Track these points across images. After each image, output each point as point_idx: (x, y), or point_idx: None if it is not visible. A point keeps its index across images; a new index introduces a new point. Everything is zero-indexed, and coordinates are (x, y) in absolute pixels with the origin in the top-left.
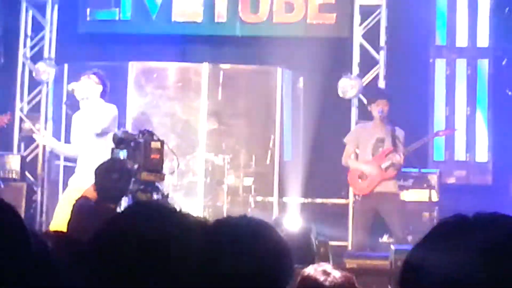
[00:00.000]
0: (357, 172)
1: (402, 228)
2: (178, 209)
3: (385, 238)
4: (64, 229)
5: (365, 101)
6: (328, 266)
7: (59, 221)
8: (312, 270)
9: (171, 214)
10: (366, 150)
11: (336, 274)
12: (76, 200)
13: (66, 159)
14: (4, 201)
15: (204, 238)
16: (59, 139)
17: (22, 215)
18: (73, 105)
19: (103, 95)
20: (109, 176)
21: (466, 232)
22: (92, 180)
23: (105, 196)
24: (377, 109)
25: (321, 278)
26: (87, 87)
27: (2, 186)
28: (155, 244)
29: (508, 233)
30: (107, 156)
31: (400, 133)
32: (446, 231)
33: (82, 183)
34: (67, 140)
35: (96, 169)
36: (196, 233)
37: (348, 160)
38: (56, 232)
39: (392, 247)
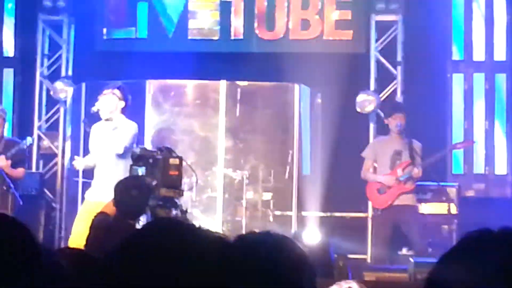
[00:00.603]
0: (375, 186)
1: (421, 241)
2: (197, 226)
3: (404, 251)
4: (82, 244)
5: (383, 115)
6: (354, 284)
7: (78, 236)
8: None
9: (190, 231)
10: (384, 164)
11: None
12: (95, 216)
13: (85, 175)
14: (17, 221)
15: (225, 254)
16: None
17: (42, 231)
18: (91, 123)
19: (124, 111)
20: (129, 192)
21: (492, 247)
22: (110, 195)
23: (125, 213)
24: (394, 122)
25: None
26: (111, 105)
27: (22, 203)
28: (175, 261)
29: None
30: (126, 171)
31: (417, 145)
32: (471, 246)
33: (101, 198)
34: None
35: (116, 186)
36: (216, 250)
37: (367, 174)
38: (73, 249)
39: (411, 259)
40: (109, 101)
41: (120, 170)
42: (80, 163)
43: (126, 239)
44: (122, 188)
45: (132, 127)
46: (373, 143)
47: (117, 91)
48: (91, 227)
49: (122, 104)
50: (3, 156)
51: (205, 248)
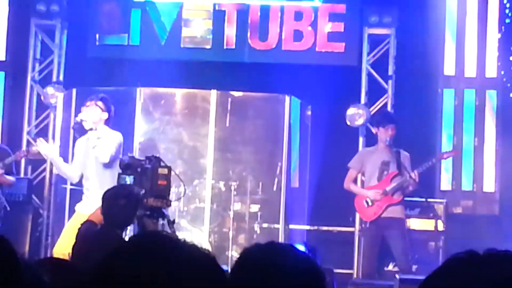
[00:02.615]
0: (363, 198)
1: (406, 256)
2: (184, 240)
3: (390, 267)
4: (66, 253)
5: (373, 130)
6: None
7: (63, 246)
8: None
9: (177, 247)
10: (372, 174)
11: None
12: (82, 224)
13: (73, 183)
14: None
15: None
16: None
17: (28, 238)
18: (81, 129)
19: (107, 122)
20: (117, 202)
21: (478, 269)
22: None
23: (112, 222)
24: (385, 134)
25: None
26: (95, 116)
27: (9, 208)
28: (161, 278)
29: None
30: (113, 182)
31: (405, 155)
32: (457, 267)
33: (91, 211)
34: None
35: (104, 194)
36: (204, 266)
37: (350, 185)
38: (57, 260)
39: (397, 276)
40: (92, 113)
41: (108, 181)
42: (49, 150)
43: (111, 253)
44: (110, 197)
45: (117, 136)
46: (360, 153)
47: (100, 103)
48: (77, 235)
49: (105, 115)
50: None
51: (192, 265)
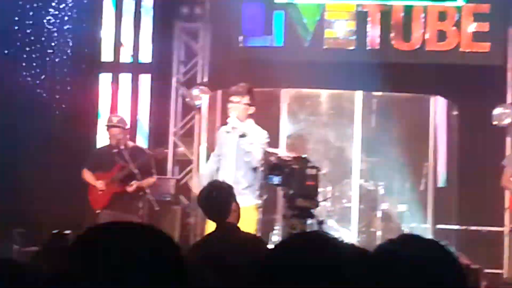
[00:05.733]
0: None
1: None
2: (339, 239)
3: None
4: None
5: None
6: None
7: None
8: None
9: (333, 245)
10: None
11: None
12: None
13: None
14: (164, 232)
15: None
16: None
17: (177, 237)
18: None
19: (254, 115)
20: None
21: None
22: (245, 200)
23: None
24: None
25: None
26: (241, 115)
27: (158, 208)
28: (320, 275)
29: None
30: (254, 178)
31: None
32: None
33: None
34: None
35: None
36: (360, 263)
37: (507, 184)
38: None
39: None
40: (239, 112)
41: (250, 177)
42: (197, 185)
43: (266, 254)
44: (207, 197)
45: (264, 137)
46: None
47: (245, 99)
48: None
49: (252, 110)
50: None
51: (349, 263)
